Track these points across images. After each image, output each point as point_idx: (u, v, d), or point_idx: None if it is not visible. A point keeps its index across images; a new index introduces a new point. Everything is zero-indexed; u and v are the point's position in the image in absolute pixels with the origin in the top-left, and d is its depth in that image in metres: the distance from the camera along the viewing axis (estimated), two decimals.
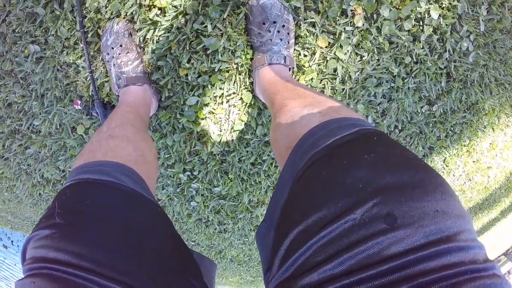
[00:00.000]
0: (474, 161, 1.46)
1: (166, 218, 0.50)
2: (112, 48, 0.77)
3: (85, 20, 0.80)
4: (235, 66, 0.81)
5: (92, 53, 0.84)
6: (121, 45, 0.77)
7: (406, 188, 0.31)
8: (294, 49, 0.82)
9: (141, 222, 0.44)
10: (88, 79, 0.89)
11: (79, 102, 0.91)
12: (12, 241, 3.13)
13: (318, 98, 0.55)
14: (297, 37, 0.81)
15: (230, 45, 0.77)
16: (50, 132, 1.06)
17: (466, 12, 0.96)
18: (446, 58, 1.02)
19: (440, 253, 0.27)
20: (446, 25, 0.95)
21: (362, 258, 0.29)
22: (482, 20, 0.99)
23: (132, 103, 0.76)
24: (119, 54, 0.77)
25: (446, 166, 1.37)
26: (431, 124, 1.17)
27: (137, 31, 0.79)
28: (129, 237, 0.41)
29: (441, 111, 1.14)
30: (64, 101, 0.96)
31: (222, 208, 1.20)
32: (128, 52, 0.78)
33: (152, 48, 0.79)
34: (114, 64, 0.78)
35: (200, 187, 1.09)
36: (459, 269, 0.26)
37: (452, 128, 1.24)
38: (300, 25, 0.79)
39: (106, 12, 0.78)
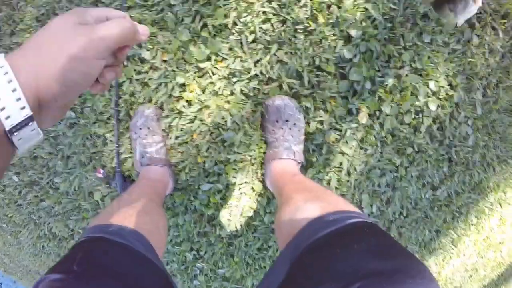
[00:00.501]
0: (484, 239, 1.44)
1: (172, 284, 0.52)
2: (140, 129, 0.84)
3: (120, 100, 0.87)
4: (249, 158, 0.85)
5: (121, 130, 0.91)
6: (148, 128, 0.83)
7: (388, 273, 0.34)
8: (304, 145, 0.87)
9: (147, 282, 0.47)
10: (113, 152, 0.95)
11: (102, 171, 0.96)
12: (1, 283, 3.01)
13: (320, 193, 0.63)
14: (306, 134, 0.87)
15: (246, 139, 0.83)
16: (67, 191, 1.10)
17: (463, 100, 1.01)
18: (447, 144, 1.07)
19: None
20: (445, 114, 1.00)
21: None
22: (479, 104, 1.04)
23: (151, 179, 0.82)
24: (146, 135, 0.84)
25: (455, 247, 1.36)
26: (436, 208, 1.18)
27: (164, 118, 0.86)
28: None
29: (446, 194, 1.17)
30: (87, 167, 1.01)
31: None
32: (154, 135, 0.84)
33: (176, 134, 0.86)
34: (139, 143, 0.84)
35: (205, 267, 1.08)
36: None
37: (458, 210, 1.25)
38: (310, 123, 0.86)
39: (140, 97, 0.86)
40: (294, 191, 0.67)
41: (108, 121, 0.92)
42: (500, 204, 1.39)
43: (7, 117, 0.25)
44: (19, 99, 0.26)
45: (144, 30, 0.35)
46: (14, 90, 0.25)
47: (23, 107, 0.26)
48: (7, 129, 0.26)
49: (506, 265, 1.79)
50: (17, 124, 0.26)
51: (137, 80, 0.84)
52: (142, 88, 0.85)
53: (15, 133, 0.26)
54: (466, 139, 1.10)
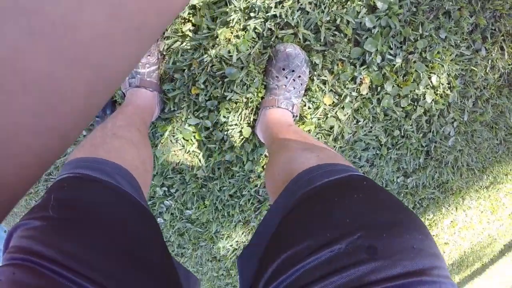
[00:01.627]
0: (434, 235, 1.55)
1: (158, 227, 0.49)
2: None
3: None
4: (245, 100, 0.82)
5: None
6: None
7: (388, 225, 0.34)
8: (301, 100, 0.86)
9: (135, 228, 0.43)
10: None
11: None
12: None
13: (317, 144, 0.61)
14: (307, 89, 0.85)
15: (247, 79, 0.79)
16: None
17: (455, 102, 1.06)
18: (429, 138, 1.11)
19: (414, 284, 0.30)
20: (436, 109, 1.04)
21: (343, 283, 0.31)
22: (467, 111, 1.10)
23: (139, 106, 0.75)
24: None
25: None
26: (402, 194, 1.24)
27: (164, 39, 0.79)
28: (122, 241, 0.40)
29: (414, 184, 1.22)
30: None
31: (186, 232, 1.17)
32: (149, 55, 0.78)
33: (173, 59, 0.79)
34: None
35: (173, 205, 1.07)
36: None
37: (420, 201, 1.32)
38: (313, 79, 0.84)
39: None
40: (290, 139, 0.65)
41: None
42: (456, 208, 1.49)
43: None
44: None
45: None
46: None
47: None
48: None
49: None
50: None
51: None
52: None
53: None
54: (447, 139, 1.15)
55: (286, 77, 0.78)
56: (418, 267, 0.31)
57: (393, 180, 1.16)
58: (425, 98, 1.00)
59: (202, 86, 0.81)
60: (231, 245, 1.19)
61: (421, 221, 0.37)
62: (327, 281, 0.32)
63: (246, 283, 0.47)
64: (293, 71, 0.78)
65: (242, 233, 1.16)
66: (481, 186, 1.48)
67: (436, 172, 1.24)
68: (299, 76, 0.79)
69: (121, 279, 0.36)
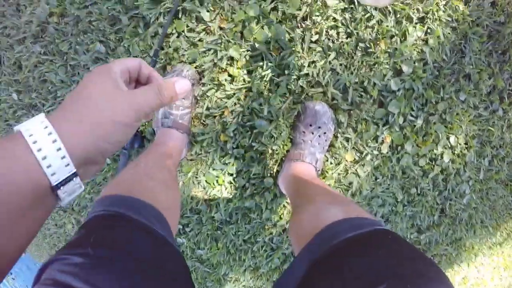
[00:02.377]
0: None
1: (187, 268, 0.50)
2: None
3: (161, 51, 0.82)
4: (270, 152, 0.85)
5: None
6: None
7: (412, 276, 0.35)
8: (325, 155, 0.88)
9: (167, 270, 0.44)
10: None
11: None
12: None
13: (343, 199, 0.63)
14: (330, 145, 0.87)
15: (275, 132, 0.82)
16: None
17: (472, 161, 1.07)
18: (445, 196, 1.11)
19: None
20: (453, 168, 1.05)
21: None
22: (483, 169, 1.11)
23: (170, 147, 0.78)
24: None
25: None
26: None
27: (200, 85, 0.83)
28: (158, 284, 0.40)
29: (427, 240, 1.21)
30: None
31: (195, 271, 1.16)
32: (184, 98, 0.80)
33: (207, 105, 0.83)
34: None
35: (185, 243, 1.07)
36: None
37: (432, 258, 1.30)
38: (337, 136, 0.86)
39: (184, 55, 0.81)
40: (316, 193, 0.67)
41: None
42: (468, 264, 1.46)
43: (53, 174, 0.27)
44: (63, 157, 0.28)
45: (182, 90, 0.38)
46: (58, 149, 0.27)
47: (67, 164, 0.28)
48: (53, 184, 0.28)
49: None
50: (62, 180, 0.28)
51: (186, 37, 0.80)
52: (189, 47, 0.81)
53: (60, 188, 0.28)
54: (462, 196, 1.15)
55: (313, 133, 0.81)
56: None
57: (407, 236, 1.15)
58: (442, 158, 1.01)
59: (231, 134, 0.84)
60: None
61: (444, 273, 0.37)
62: None
63: None
64: (319, 127, 0.81)
65: (251, 278, 1.15)
66: (495, 243, 1.46)
67: (449, 229, 1.24)
68: (325, 133, 0.82)
69: None
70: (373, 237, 0.45)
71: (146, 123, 0.91)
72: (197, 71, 0.82)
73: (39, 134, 0.27)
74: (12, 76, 1.02)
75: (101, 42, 0.87)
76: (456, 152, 1.03)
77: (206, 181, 0.91)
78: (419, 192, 1.05)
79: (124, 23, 0.83)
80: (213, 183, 0.91)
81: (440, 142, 0.98)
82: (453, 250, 1.32)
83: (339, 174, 0.91)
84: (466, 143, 1.04)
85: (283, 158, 0.87)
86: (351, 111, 0.85)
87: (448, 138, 0.99)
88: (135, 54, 0.85)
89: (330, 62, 0.80)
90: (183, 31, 0.80)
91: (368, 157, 0.90)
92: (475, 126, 1.01)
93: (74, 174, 0.29)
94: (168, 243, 0.48)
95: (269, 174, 0.89)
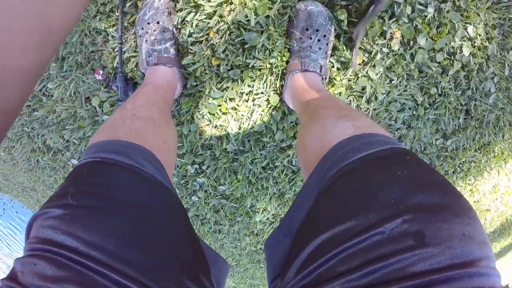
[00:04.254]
0: (475, 201, 1.47)
1: (183, 209, 0.48)
2: (148, 24, 0.75)
3: None
4: (268, 66, 0.80)
5: (126, 24, 0.82)
6: (158, 22, 0.75)
7: (437, 208, 0.31)
8: (329, 60, 0.82)
9: (159, 212, 0.42)
10: (116, 50, 0.87)
11: (101, 72, 0.89)
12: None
13: (352, 111, 0.55)
14: (334, 49, 0.81)
15: (268, 44, 0.76)
16: (62, 98, 1.02)
17: (495, 55, 0.98)
18: (468, 96, 1.04)
19: (463, 276, 0.28)
20: (475, 63, 0.97)
21: (387, 272, 0.29)
22: (508, 65, 1.01)
23: (159, 84, 0.74)
24: (154, 31, 0.75)
25: None
26: (442, 158, 1.18)
27: (177, 11, 0.78)
28: (146, 228, 0.38)
29: (454, 146, 1.15)
30: (84, 69, 0.93)
31: (222, 208, 1.18)
32: (164, 31, 0.76)
33: (189, 31, 0.78)
34: (146, 40, 0.76)
35: (206, 182, 1.07)
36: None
37: (460, 165, 1.25)
38: (340, 38, 0.79)
39: None
40: (321, 106, 0.60)
41: (111, 13, 0.83)
42: (498, 172, 1.40)
43: None
44: None
45: None
46: None
47: None
48: None
49: (487, 233, 1.86)
50: None
51: None
52: None
53: None
54: (488, 96, 1.07)
55: (311, 38, 0.75)
56: (468, 258, 0.29)
57: (432, 142, 1.10)
58: (462, 51, 0.92)
59: (223, 56, 0.79)
60: (267, 219, 1.19)
61: (469, 202, 0.33)
62: (367, 270, 0.30)
63: (274, 268, 0.45)
64: (317, 30, 0.74)
65: (278, 206, 1.15)
66: None
67: (477, 133, 1.16)
68: (324, 35, 0.75)
69: (146, 268, 0.35)
70: (389, 158, 0.40)
71: (134, 68, 0.88)
72: None
73: None
74: None
75: None
76: (476, 44, 0.94)
77: (209, 112, 0.88)
78: (440, 92, 0.98)
79: None
80: (217, 113, 0.88)
81: (456, 33, 0.89)
82: (482, 156, 1.25)
83: (349, 80, 0.86)
84: (486, 34, 0.94)
85: (284, 71, 0.82)
86: (350, 6, 0.78)
87: (465, 29, 0.90)
88: (101, 0, 0.81)
89: None
90: None
91: (378, 56, 0.83)
92: (494, 14, 0.90)
93: None
94: (158, 183, 0.46)
95: (273, 91, 0.85)
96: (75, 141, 1.13)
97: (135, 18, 0.79)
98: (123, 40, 0.84)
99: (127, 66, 0.88)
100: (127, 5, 0.79)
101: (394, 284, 0.28)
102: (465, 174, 1.30)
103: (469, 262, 0.28)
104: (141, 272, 0.34)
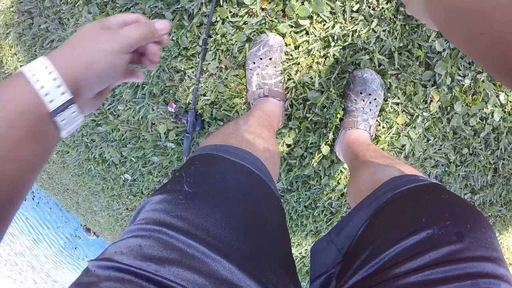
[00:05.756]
0: None
1: (283, 212, 0.50)
2: (261, 59, 0.83)
3: (209, 39, 0.90)
4: (324, 121, 0.92)
5: (203, 68, 0.94)
6: (270, 58, 0.83)
7: (470, 219, 0.41)
8: (376, 120, 0.93)
9: (264, 208, 0.44)
10: (190, 88, 0.99)
11: (174, 105, 1.00)
12: (33, 196, 3.17)
13: (397, 160, 0.67)
14: (381, 110, 0.92)
15: (327, 102, 0.88)
16: (128, 120, 1.12)
17: None
18: (497, 155, 1.12)
19: (490, 266, 0.37)
20: (504, 127, 1.05)
21: (437, 258, 0.37)
22: None
23: (268, 112, 0.81)
24: (267, 66, 0.83)
25: None
26: None
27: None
28: (255, 220, 0.40)
29: (481, 201, 1.22)
30: (157, 99, 1.04)
31: None
32: (275, 67, 0.84)
33: None
34: (258, 74, 0.84)
35: None
36: (501, 279, 0.36)
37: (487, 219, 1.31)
38: (387, 101, 0.91)
39: (231, 39, 0.89)
40: (371, 156, 0.72)
41: (192, 57, 0.95)
42: None
43: (51, 101, 0.30)
44: (59, 86, 0.31)
45: (161, 26, 0.39)
46: (54, 79, 0.30)
47: (63, 92, 0.31)
48: (51, 110, 0.30)
49: None
50: (60, 106, 0.31)
51: (230, 22, 0.87)
52: (235, 31, 0.88)
53: (58, 115, 0.31)
54: None
55: (363, 100, 0.87)
56: (492, 256, 0.37)
57: (461, 196, 1.17)
58: (493, 116, 1.02)
59: (287, 108, 0.91)
60: (299, 253, 1.27)
61: (484, 217, 0.43)
62: (423, 257, 0.37)
63: (318, 269, 0.52)
64: (369, 94, 0.86)
65: (312, 242, 1.23)
66: None
67: (503, 189, 1.23)
68: (375, 99, 0.87)
69: (246, 253, 0.36)
70: (431, 188, 0.49)
71: (204, 107, 0.99)
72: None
73: (37, 68, 0.30)
74: None
75: None
76: (507, 109, 1.03)
77: None
78: (471, 152, 1.07)
79: (168, 18, 0.90)
80: None
81: (489, 101, 0.99)
82: (507, 211, 1.31)
83: (391, 137, 0.96)
84: None
85: (338, 127, 0.93)
86: (399, 75, 0.89)
87: (497, 96, 1.00)
88: (184, 45, 0.93)
89: (373, 30, 0.84)
90: (226, 17, 0.86)
91: (419, 119, 0.94)
92: None
93: (71, 101, 0.32)
94: (265, 183, 0.48)
95: (325, 143, 0.96)
96: (132, 158, 1.22)
97: (246, 56, 0.88)
98: (199, 81, 0.96)
99: (197, 104, 1.00)
100: (208, 53, 0.91)
101: (441, 266, 0.36)
102: None
103: (492, 258, 0.37)
104: (242, 256, 0.35)
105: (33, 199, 3.20)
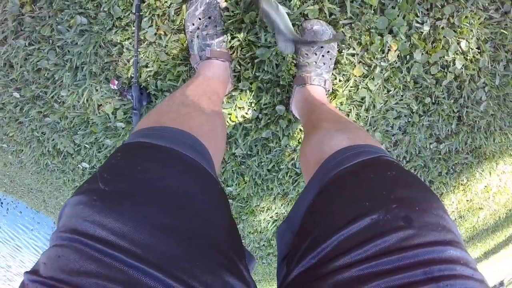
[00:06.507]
0: (468, 200, 1.55)
1: (226, 199, 0.45)
2: (200, 19, 0.77)
3: (142, 4, 0.82)
4: (276, 79, 0.87)
5: (141, 37, 0.87)
6: (209, 17, 0.77)
7: (418, 201, 0.38)
8: (332, 73, 0.89)
9: (199, 199, 0.39)
10: (130, 61, 0.92)
11: (116, 82, 0.93)
12: (1, 203, 3.08)
13: (348, 125, 0.62)
14: (336, 62, 0.88)
15: (277, 59, 0.83)
16: (74, 105, 1.06)
17: (486, 66, 1.05)
18: (461, 104, 1.11)
19: (444, 250, 0.34)
20: (466, 75, 1.04)
21: (385, 247, 0.35)
22: (498, 75, 1.08)
23: (210, 77, 0.75)
24: (206, 26, 0.77)
25: (442, 200, 1.46)
26: (435, 160, 1.25)
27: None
28: (184, 218, 0.36)
29: (447, 149, 1.23)
30: (98, 78, 0.98)
31: None
32: (216, 26, 0.78)
33: None
34: (198, 36, 0.77)
35: None
36: (457, 263, 0.34)
37: (453, 167, 1.33)
38: (342, 52, 0.86)
39: (166, 1, 0.81)
40: (323, 119, 0.67)
41: (127, 27, 0.88)
42: (490, 172, 1.48)
43: None
44: None
45: None
46: None
47: None
48: None
49: (478, 230, 1.95)
50: None
51: None
52: None
53: None
54: (479, 103, 1.14)
55: (316, 54, 0.82)
56: (446, 239, 0.35)
57: (426, 146, 1.17)
58: (455, 64, 0.99)
59: (234, 69, 0.86)
60: (271, 217, 1.27)
61: (440, 200, 0.40)
62: (368, 246, 0.35)
63: (282, 253, 0.50)
64: (321, 47, 0.81)
65: (281, 205, 1.23)
66: None
67: (468, 137, 1.24)
68: (328, 51, 0.82)
69: (181, 261, 0.32)
70: (379, 163, 0.46)
71: (148, 79, 0.93)
72: None
73: None
74: (7, 77, 1.04)
75: (80, 14, 0.88)
76: (468, 57, 1.01)
77: None
78: (434, 101, 1.05)
79: None
80: (227, 121, 0.95)
81: (450, 48, 0.96)
82: (474, 158, 1.33)
83: (349, 91, 0.93)
84: (478, 48, 1.00)
85: (291, 84, 0.89)
86: (352, 24, 0.84)
87: (458, 43, 0.97)
88: (117, 15, 0.86)
89: None
90: None
91: (377, 70, 0.90)
92: (486, 30, 0.97)
93: None
94: (199, 168, 0.43)
95: (279, 102, 0.92)
96: (86, 145, 1.17)
97: (184, 17, 0.81)
98: (138, 52, 0.89)
99: (140, 77, 0.94)
100: (143, 20, 0.84)
101: (389, 256, 0.33)
102: (458, 175, 1.38)
103: (447, 241, 0.35)
104: (175, 265, 0.32)
105: (1, 205, 3.07)
